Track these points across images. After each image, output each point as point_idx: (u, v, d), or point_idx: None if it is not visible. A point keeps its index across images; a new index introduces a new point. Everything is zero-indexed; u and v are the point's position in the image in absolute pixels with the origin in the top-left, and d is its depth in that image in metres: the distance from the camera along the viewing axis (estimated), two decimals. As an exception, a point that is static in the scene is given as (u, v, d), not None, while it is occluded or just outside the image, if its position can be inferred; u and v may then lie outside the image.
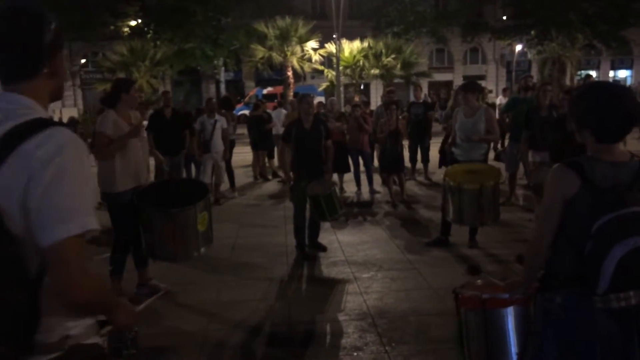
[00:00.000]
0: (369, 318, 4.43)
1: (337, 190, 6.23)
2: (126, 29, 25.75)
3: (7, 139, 1.41)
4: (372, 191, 9.64)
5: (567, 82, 27.19)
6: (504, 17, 30.87)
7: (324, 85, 25.84)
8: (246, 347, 4.04)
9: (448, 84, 36.45)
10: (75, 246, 1.40)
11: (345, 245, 6.58)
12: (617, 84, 2.35)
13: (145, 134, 5.16)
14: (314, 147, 6.19)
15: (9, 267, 1.39)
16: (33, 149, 1.38)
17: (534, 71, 34.59)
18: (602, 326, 2.09)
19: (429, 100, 13.37)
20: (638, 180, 2.08)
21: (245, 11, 23.97)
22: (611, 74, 38.89)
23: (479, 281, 2.92)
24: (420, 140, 10.91)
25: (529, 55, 34.06)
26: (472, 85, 6.31)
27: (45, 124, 1.44)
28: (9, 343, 1.43)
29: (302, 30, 23.92)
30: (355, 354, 3.83)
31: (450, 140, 6.35)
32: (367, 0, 28.74)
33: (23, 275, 1.41)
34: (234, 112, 13.46)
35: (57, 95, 1.61)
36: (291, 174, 6.35)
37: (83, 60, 31.45)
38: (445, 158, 6.31)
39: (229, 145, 9.76)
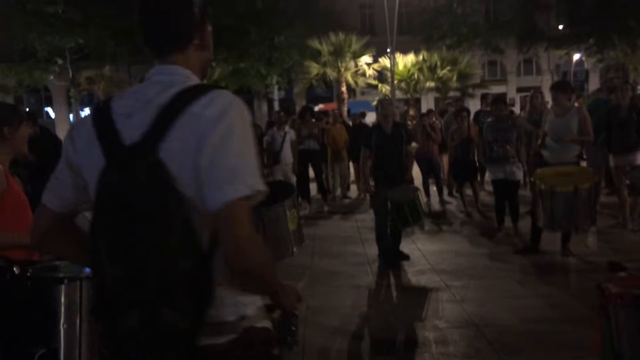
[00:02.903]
0: (472, 326, 4.20)
1: (420, 196, 6.04)
2: (183, 51, 26.40)
3: (175, 102, 1.37)
4: (443, 201, 9.39)
5: (631, 89, 26.13)
6: (560, 27, 30.10)
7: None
8: (350, 354, 3.89)
9: (501, 96, 35.64)
10: (244, 209, 1.32)
11: (429, 254, 6.36)
12: None
13: None
14: (395, 152, 6.04)
15: (182, 233, 1.33)
16: (200, 109, 1.34)
17: (592, 80, 33.48)
18: None
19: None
20: None
21: (298, 30, 24.18)
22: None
23: (622, 274, 2.66)
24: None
25: (586, 65, 33.03)
26: (564, 85, 6.04)
27: (209, 87, 1.41)
28: (186, 317, 1.36)
29: (355, 46, 23.93)
30: (468, 361, 3.62)
31: (539, 142, 6.07)
32: (417, 15, 28.60)
33: (196, 242, 1.35)
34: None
35: (205, 69, 1.57)
36: (371, 181, 6.24)
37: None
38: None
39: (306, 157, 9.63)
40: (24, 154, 3.22)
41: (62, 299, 2.84)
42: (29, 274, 2.84)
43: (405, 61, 24.68)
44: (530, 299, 4.71)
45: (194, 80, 1.48)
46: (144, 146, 1.35)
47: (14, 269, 2.84)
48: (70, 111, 31.70)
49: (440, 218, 8.49)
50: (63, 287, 2.86)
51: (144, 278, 1.34)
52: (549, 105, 7.60)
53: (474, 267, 5.77)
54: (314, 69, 23.96)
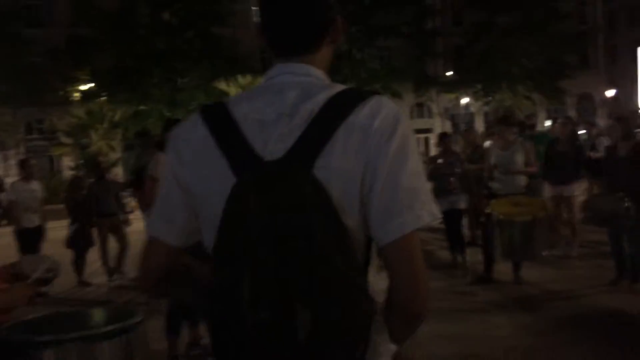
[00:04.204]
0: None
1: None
2: (77, 94, 25.09)
3: (329, 110, 1.12)
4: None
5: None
6: (448, 73, 32.45)
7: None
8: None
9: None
10: (418, 239, 1.12)
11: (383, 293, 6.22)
12: None
13: None
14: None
15: (352, 270, 1.07)
16: (366, 120, 1.11)
17: (478, 122, 36.21)
18: None
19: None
20: None
21: (202, 72, 23.87)
22: (547, 122, 41.18)
23: None
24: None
25: (472, 109, 35.71)
26: (507, 119, 6.35)
27: (364, 92, 1.16)
28: None
29: (237, 95, 23.83)
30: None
31: (485, 173, 6.27)
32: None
33: (364, 280, 1.11)
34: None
35: (329, 67, 1.31)
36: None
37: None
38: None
39: None
40: None
41: (46, 368, 2.35)
42: (5, 339, 2.34)
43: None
44: (505, 328, 4.72)
45: (330, 82, 1.24)
46: (293, 162, 1.08)
47: (-19, 335, 2.33)
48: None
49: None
50: (47, 353, 2.37)
51: (310, 326, 1.03)
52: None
53: (439, 300, 5.70)
54: (222, 110, 23.65)
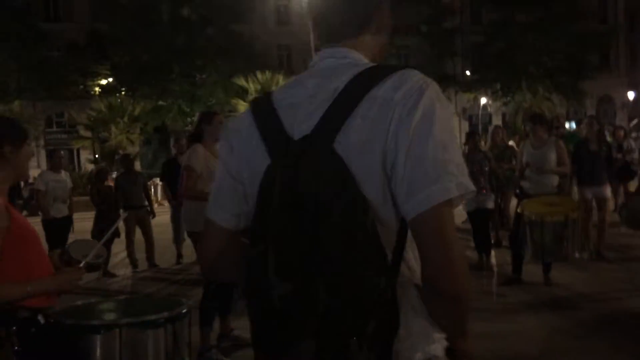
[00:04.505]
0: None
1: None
2: (97, 88, 25.34)
3: (353, 85, 1.13)
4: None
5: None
6: (468, 72, 32.23)
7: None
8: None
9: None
10: (451, 215, 1.08)
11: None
12: None
13: None
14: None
15: (367, 246, 1.05)
16: (389, 93, 1.10)
17: (496, 124, 35.92)
18: None
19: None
20: None
21: (221, 69, 23.99)
22: (567, 125, 40.74)
23: None
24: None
25: (489, 109, 35.45)
26: (540, 117, 6.26)
27: (393, 66, 1.16)
28: (375, 352, 1.06)
29: (282, 83, 24.00)
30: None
31: (517, 172, 6.20)
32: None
33: (382, 257, 1.07)
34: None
35: (381, 53, 1.30)
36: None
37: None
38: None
39: None
40: (26, 177, 2.71)
41: (98, 352, 2.35)
42: (56, 323, 2.34)
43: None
44: (535, 330, 4.65)
45: (367, 62, 1.23)
46: (315, 139, 1.11)
47: (39, 318, 2.33)
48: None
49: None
50: (99, 337, 2.37)
51: (325, 299, 1.04)
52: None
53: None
54: (242, 106, 23.77)
